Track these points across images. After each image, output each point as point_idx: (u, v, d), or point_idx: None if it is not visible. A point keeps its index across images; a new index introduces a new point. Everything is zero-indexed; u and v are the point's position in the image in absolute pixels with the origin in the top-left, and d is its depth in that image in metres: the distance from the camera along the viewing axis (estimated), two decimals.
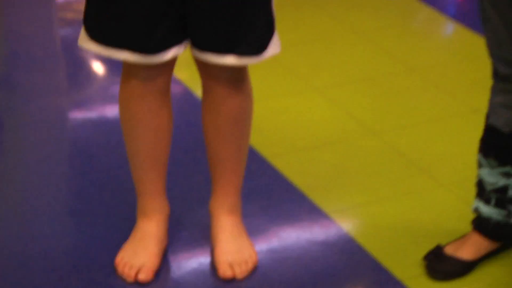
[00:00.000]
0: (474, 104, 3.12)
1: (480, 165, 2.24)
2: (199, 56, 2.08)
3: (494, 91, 2.17)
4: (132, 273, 2.17)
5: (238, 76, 2.15)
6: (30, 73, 3.51)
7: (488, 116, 2.20)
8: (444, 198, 2.62)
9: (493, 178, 2.23)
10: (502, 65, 2.11)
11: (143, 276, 2.16)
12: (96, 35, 2.06)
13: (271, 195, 2.66)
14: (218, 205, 2.31)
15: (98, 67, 3.62)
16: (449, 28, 4.00)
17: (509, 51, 2.12)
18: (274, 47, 2.12)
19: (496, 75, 2.14)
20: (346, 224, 2.50)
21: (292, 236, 2.45)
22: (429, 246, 2.27)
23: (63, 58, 3.72)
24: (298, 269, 2.29)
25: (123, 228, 2.40)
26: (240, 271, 2.22)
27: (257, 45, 2.09)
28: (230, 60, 2.04)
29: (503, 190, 2.22)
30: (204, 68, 2.13)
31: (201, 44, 2.06)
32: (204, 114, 2.23)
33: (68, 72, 3.56)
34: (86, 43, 2.08)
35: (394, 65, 3.58)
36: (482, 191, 2.24)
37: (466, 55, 3.67)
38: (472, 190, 2.28)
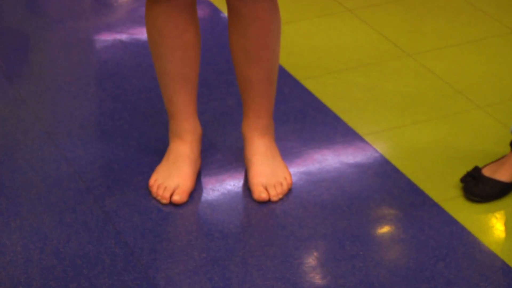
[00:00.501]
0: None
1: None
2: None
3: None
4: (167, 195, 2.19)
5: None
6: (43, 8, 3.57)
7: None
8: (482, 120, 2.61)
9: None
10: None
11: (178, 197, 2.18)
12: None
13: (304, 117, 2.66)
14: (250, 127, 2.30)
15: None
16: None
17: None
18: None
19: None
20: (381, 147, 2.49)
21: (326, 159, 2.44)
22: (466, 168, 2.28)
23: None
24: (333, 192, 2.29)
25: (156, 150, 2.43)
26: (275, 193, 2.21)
27: None
28: None
29: None
30: None
31: None
32: (231, 36, 2.21)
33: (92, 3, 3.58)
34: None
35: None
36: None
37: None
38: (510, 112, 2.38)
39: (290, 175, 2.31)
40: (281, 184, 2.27)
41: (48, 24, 3.38)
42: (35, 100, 2.83)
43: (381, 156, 2.46)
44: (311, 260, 2.14)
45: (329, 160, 2.45)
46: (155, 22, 2.22)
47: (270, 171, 2.30)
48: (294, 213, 2.24)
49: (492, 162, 2.29)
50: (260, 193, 2.22)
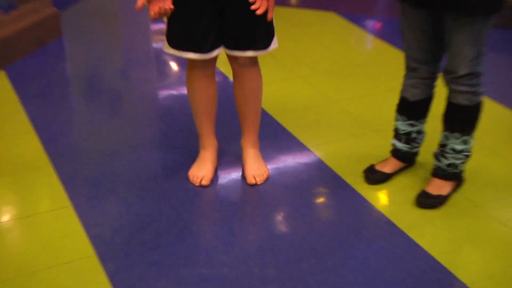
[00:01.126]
0: (391, 85, 3.37)
1: (396, 119, 2.54)
2: (232, 53, 2.39)
3: (406, 77, 2.47)
4: (198, 181, 2.56)
5: (253, 63, 2.47)
6: (137, 68, 3.85)
7: (402, 91, 2.49)
8: (376, 138, 2.98)
9: (403, 127, 2.50)
10: (412, 61, 2.39)
11: (204, 182, 2.54)
12: (173, 44, 2.35)
13: (275, 136, 3.00)
14: (245, 142, 2.63)
15: (173, 64, 3.80)
16: (373, 42, 4.31)
17: (415, 52, 2.37)
18: (274, 44, 2.42)
19: (407, 67, 2.44)
20: (319, 153, 2.87)
21: (288, 160, 2.82)
22: (366, 164, 2.67)
23: (155, 59, 3.92)
24: (291, 178, 2.65)
25: (191, 156, 2.74)
26: (259, 180, 2.56)
27: (264, 44, 2.36)
28: (250, 53, 2.35)
29: (408, 134, 2.52)
30: (234, 60, 2.43)
31: (233, 45, 2.35)
32: (235, 89, 2.52)
33: (158, 67, 3.89)
34: (167, 49, 2.40)
35: (341, 62, 3.79)
36: (397, 134, 2.57)
37: (384, 58, 3.87)
38: (391, 134, 2.57)
39: (268, 169, 2.62)
40: (263, 174, 2.60)
41: (130, 84, 3.60)
42: (123, 127, 3.02)
43: (319, 158, 2.82)
44: (276, 214, 2.39)
45: (289, 161, 2.79)
46: (191, 82, 2.53)
47: (257, 167, 2.62)
48: (269, 190, 2.56)
49: (381, 162, 2.63)
50: (251, 180, 2.57)
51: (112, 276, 2.17)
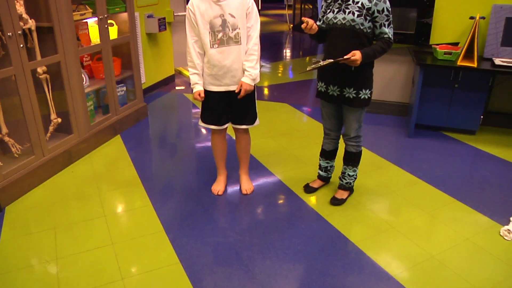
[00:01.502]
0: (316, 141, 3.68)
1: (320, 160, 2.97)
2: (235, 126, 2.72)
3: (324, 138, 2.86)
4: (216, 192, 2.94)
5: (246, 131, 2.76)
6: (185, 132, 4.14)
7: (322, 145, 2.90)
8: (309, 169, 3.34)
9: (323, 164, 2.97)
10: (326, 129, 2.80)
11: (220, 192, 2.93)
12: (204, 121, 2.73)
13: (257, 168, 3.38)
14: (241, 171, 2.91)
15: (203, 131, 4.18)
16: (307, 119, 4.55)
17: (328, 124, 2.75)
18: (257, 122, 2.72)
19: (324, 132, 2.83)
20: (280, 176, 3.24)
21: (263, 180, 3.18)
22: (304, 183, 3.11)
23: (194, 129, 4.26)
24: (265, 190, 3.03)
25: (213, 178, 3.15)
26: (249, 192, 2.86)
27: (251, 121, 2.67)
28: (244, 126, 2.68)
29: (326, 167, 2.97)
30: (236, 130, 2.75)
31: (236, 122, 2.69)
32: (236, 145, 2.81)
33: (196, 134, 4.15)
34: (201, 123, 2.75)
35: (290, 129, 4.25)
36: (320, 167, 2.99)
37: (312, 127, 4.28)
38: (316, 167, 3.05)
39: (253, 186, 2.93)
40: (250, 189, 2.89)
41: (184, 140, 3.94)
42: (173, 166, 3.43)
43: (279, 180, 3.18)
44: (257, 209, 2.78)
45: (264, 181, 3.16)
46: (213, 141, 2.86)
47: (247, 186, 2.89)
48: (253, 197, 2.92)
49: (311, 181, 3.04)
50: (245, 191, 2.87)
51: (173, 241, 2.46)
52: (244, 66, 2.48)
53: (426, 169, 3.36)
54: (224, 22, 2.39)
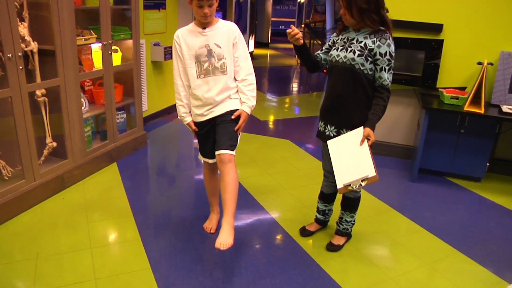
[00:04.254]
0: (316, 181, 3.71)
1: (318, 202, 2.90)
2: (216, 153, 2.40)
3: (323, 180, 2.81)
4: (208, 230, 2.86)
5: (230, 160, 2.35)
6: (184, 163, 4.11)
7: (321, 188, 2.85)
8: (306, 211, 3.24)
9: (321, 207, 2.91)
10: (325, 172, 2.74)
11: (212, 231, 2.84)
12: (202, 154, 2.67)
13: (252, 206, 3.28)
14: (224, 219, 2.30)
15: (200, 163, 4.10)
16: (308, 157, 4.51)
17: (326, 166, 2.69)
18: (234, 152, 2.40)
19: (324, 175, 2.78)
20: (275, 217, 3.15)
21: (257, 219, 3.06)
22: (300, 225, 3.03)
23: (193, 160, 4.22)
24: (259, 229, 2.92)
25: (206, 215, 3.06)
26: (225, 247, 2.18)
27: (232, 145, 2.41)
28: (223, 151, 2.36)
29: (324, 210, 2.91)
30: (219, 161, 2.38)
31: (216, 147, 2.42)
32: (221, 181, 2.37)
33: (195, 165, 4.09)
34: (200, 157, 2.70)
35: (290, 167, 4.21)
36: (318, 210, 2.94)
37: (313, 166, 3.64)
38: (314, 209, 2.98)
39: (232, 240, 2.23)
40: (228, 243, 2.19)
41: (181, 171, 3.88)
42: (172, 191, 3.32)
43: (275, 221, 3.09)
44: (248, 251, 2.66)
45: (258, 220, 3.05)
46: (204, 176, 2.81)
47: (225, 238, 2.21)
48: (245, 237, 2.81)
49: (308, 224, 2.96)
50: (218, 245, 2.17)
51: (159, 280, 2.32)
52: (243, 96, 2.47)
53: (428, 217, 3.30)
54: (209, 52, 2.40)
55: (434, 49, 3.95)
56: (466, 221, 3.25)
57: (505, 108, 3.57)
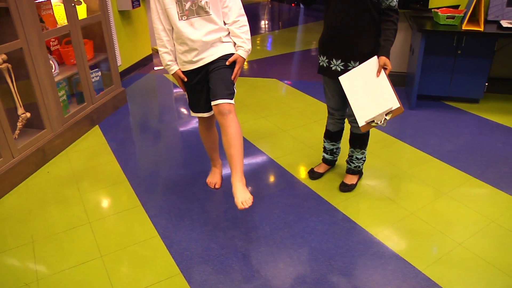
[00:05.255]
0: (315, 119, 3.68)
1: (324, 142, 2.80)
2: (213, 104, 2.21)
3: (328, 118, 2.69)
4: (213, 185, 2.74)
5: (230, 110, 2.17)
6: (168, 115, 3.95)
7: (326, 126, 2.73)
8: (311, 152, 3.17)
9: (328, 146, 2.79)
10: (330, 109, 2.62)
11: (217, 186, 2.72)
12: (192, 109, 2.45)
13: (253, 153, 3.16)
14: (233, 178, 2.16)
15: (195, 119, 3.48)
16: (304, 97, 4.32)
17: (331, 103, 2.56)
18: (233, 100, 2.22)
19: (328, 112, 2.66)
20: (278, 160, 3.04)
21: (260, 167, 2.94)
22: (308, 168, 2.93)
23: (178, 112, 4.07)
24: (265, 178, 2.83)
25: (207, 167, 2.96)
26: (247, 204, 2.06)
27: (230, 94, 2.22)
28: (221, 100, 2.19)
29: (331, 149, 2.80)
30: (217, 113, 2.20)
31: (212, 97, 2.23)
32: (222, 135, 2.22)
33: (180, 117, 3.91)
34: (193, 114, 2.44)
35: (285, 107, 4.08)
36: (325, 149, 2.83)
37: (308, 103, 4.14)
38: (320, 149, 2.96)
39: (251, 196, 2.12)
40: (248, 200, 2.08)
41: (166, 125, 3.64)
42: (164, 152, 3.16)
43: (285, 168, 2.95)
44: (259, 203, 2.56)
45: (262, 167, 2.93)
46: (201, 132, 2.63)
47: (243, 195, 2.10)
48: (253, 187, 2.70)
49: (316, 166, 2.88)
50: (241, 205, 2.05)
51: (170, 248, 2.19)
52: (237, 39, 2.26)
53: (435, 145, 3.21)
54: None
55: None
56: (473, 145, 3.19)
57: (505, 23, 3.39)
